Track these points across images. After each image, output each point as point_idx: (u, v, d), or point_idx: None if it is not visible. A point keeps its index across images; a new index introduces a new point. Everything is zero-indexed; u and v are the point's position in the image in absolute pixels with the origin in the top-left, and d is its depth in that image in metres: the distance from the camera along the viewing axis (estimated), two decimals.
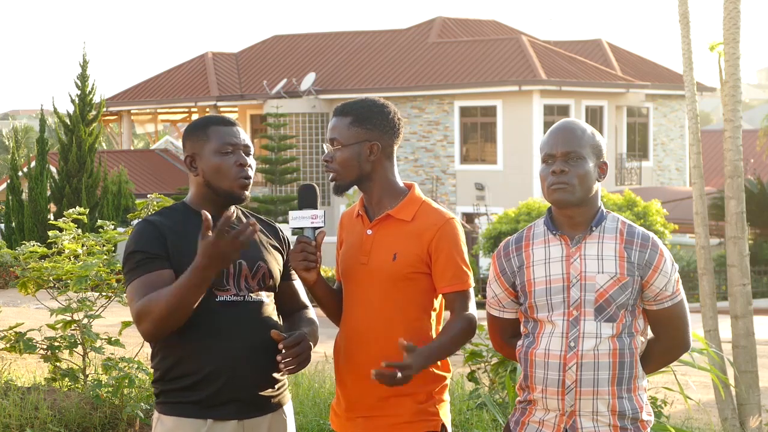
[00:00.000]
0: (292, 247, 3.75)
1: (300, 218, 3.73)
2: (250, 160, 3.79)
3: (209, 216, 3.46)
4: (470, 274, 3.81)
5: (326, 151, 3.85)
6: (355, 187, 3.89)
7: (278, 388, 3.78)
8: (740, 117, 8.99)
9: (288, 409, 3.84)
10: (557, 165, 3.58)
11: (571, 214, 3.62)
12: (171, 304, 3.52)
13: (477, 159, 35.58)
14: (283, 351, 3.64)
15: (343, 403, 3.90)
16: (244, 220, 3.86)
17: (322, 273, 3.87)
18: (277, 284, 3.83)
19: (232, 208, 3.84)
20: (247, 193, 3.78)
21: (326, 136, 3.87)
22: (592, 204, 3.63)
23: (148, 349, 3.79)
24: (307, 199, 3.77)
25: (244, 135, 3.81)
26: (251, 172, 3.78)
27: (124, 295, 6.49)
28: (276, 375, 3.73)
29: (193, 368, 3.65)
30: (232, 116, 27.27)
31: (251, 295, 3.73)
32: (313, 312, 3.94)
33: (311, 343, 3.73)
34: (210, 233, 3.45)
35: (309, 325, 3.83)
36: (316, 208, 3.76)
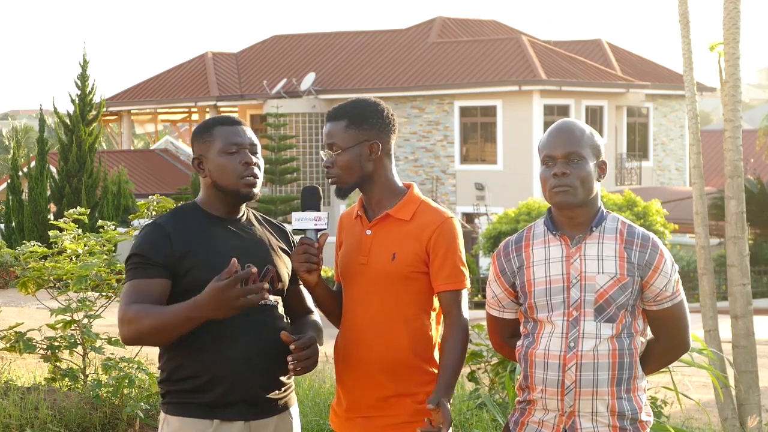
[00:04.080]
0: (294, 248, 3.75)
1: (303, 220, 3.73)
2: (258, 159, 3.79)
3: (236, 262, 3.45)
4: (467, 273, 3.81)
5: (324, 158, 3.85)
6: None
7: (284, 390, 3.79)
8: (740, 117, 8.99)
9: (294, 411, 3.86)
10: (559, 167, 3.58)
11: (572, 214, 3.61)
12: (159, 325, 3.54)
13: (477, 159, 35.58)
14: (294, 352, 3.64)
15: (343, 402, 3.90)
16: (255, 223, 3.86)
17: (322, 274, 3.87)
18: (286, 288, 3.83)
19: (243, 208, 3.85)
20: (255, 190, 3.77)
21: (323, 142, 3.87)
22: (592, 204, 3.63)
23: (148, 349, 3.80)
24: (310, 200, 3.77)
25: (251, 134, 3.81)
26: (258, 171, 3.78)
27: None
28: (282, 378, 3.74)
29: (199, 370, 3.66)
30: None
31: None
32: (318, 317, 3.95)
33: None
34: (227, 279, 3.43)
35: (316, 330, 3.84)
36: (319, 209, 3.76)
